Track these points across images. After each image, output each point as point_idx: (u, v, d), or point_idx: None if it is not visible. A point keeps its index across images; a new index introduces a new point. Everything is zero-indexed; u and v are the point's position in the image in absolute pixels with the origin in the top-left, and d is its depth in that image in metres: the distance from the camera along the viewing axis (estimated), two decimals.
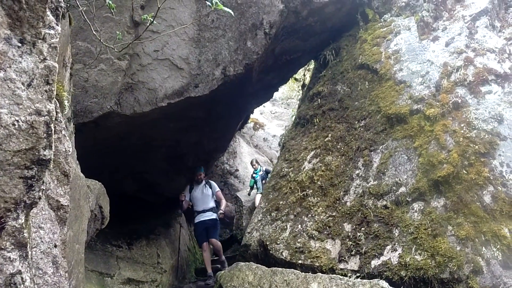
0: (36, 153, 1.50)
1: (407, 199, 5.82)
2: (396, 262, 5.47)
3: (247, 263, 6.37)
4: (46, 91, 1.47)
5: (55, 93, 1.52)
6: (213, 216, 9.48)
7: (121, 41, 5.55)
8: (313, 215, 6.59)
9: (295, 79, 13.56)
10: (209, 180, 10.14)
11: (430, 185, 5.71)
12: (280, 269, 5.86)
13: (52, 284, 1.83)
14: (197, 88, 7.68)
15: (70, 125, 4.26)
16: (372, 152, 6.58)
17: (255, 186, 13.26)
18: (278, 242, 6.67)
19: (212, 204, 9.62)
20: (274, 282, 5.60)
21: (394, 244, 5.58)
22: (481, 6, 7.42)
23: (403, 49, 7.32)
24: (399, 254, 5.50)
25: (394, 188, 6.00)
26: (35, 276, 1.75)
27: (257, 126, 18.24)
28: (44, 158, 1.53)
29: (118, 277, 7.42)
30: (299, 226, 6.63)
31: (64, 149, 2.17)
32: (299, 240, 6.47)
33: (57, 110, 2.15)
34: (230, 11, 5.28)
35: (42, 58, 1.47)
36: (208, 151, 10.99)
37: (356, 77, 7.68)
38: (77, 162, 4.60)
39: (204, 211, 9.46)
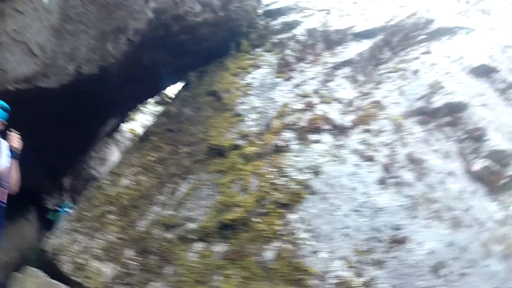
0: None
1: (193, 236, 5.24)
2: None
3: (34, 269, 5.69)
4: None
5: None
6: None
7: None
8: (107, 233, 5.90)
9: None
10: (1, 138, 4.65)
11: (218, 227, 5.17)
12: (57, 283, 5.38)
13: None
14: (47, 79, 6.98)
15: None
16: (183, 181, 6.02)
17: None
18: (66, 254, 5.92)
19: None
20: None
21: (161, 283, 4.94)
22: (348, 56, 7.22)
23: (256, 84, 6.95)
24: None
25: (185, 222, 5.43)
26: None
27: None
28: None
29: None
30: (91, 242, 5.92)
31: None
32: (84, 257, 5.75)
33: None
34: None
35: None
36: (70, 150, 10.37)
37: (204, 102, 7.22)
38: None
39: None
